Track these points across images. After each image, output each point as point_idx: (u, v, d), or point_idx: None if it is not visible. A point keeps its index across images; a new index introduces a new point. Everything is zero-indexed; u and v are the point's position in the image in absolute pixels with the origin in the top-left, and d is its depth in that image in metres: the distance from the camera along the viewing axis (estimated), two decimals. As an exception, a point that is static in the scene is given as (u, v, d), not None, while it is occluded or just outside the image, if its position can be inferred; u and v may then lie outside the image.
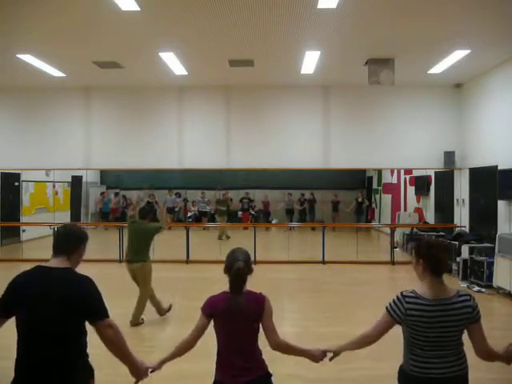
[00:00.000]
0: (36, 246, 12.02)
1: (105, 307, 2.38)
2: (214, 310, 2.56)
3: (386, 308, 2.49)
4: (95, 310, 2.35)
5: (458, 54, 8.07)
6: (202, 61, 8.65)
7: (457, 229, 10.25)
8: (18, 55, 8.06)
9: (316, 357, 2.69)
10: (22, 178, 12.98)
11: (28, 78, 9.63)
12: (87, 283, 2.36)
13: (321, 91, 10.53)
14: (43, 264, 2.40)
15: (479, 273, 8.31)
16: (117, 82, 10.12)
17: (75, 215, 16.18)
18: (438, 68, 8.94)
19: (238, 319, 2.52)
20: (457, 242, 9.39)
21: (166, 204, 17.91)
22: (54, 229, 10.87)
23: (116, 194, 18.35)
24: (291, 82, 10.17)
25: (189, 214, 18.41)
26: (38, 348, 2.27)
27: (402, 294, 2.48)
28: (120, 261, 10.79)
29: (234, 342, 2.54)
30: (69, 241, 2.46)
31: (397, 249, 11.51)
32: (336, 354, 2.68)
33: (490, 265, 8.07)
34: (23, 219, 12.69)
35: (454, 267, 9.20)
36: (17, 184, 12.97)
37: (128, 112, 10.79)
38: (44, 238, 11.84)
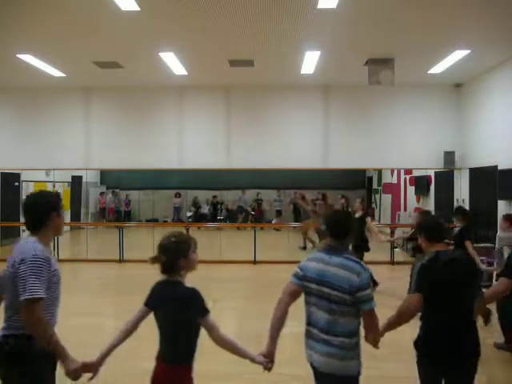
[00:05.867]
0: (36, 246, 12.00)
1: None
2: None
3: None
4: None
5: (458, 54, 8.07)
6: (202, 61, 8.65)
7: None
8: (18, 55, 8.06)
9: None
10: (22, 177, 12.97)
11: (28, 78, 9.63)
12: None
13: (321, 91, 10.53)
14: None
15: (479, 273, 8.30)
16: (117, 82, 10.12)
17: (75, 215, 16.18)
18: (438, 68, 8.94)
19: None
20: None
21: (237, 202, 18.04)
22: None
23: (113, 193, 18.42)
24: (291, 82, 10.17)
25: (189, 214, 18.43)
26: None
27: None
28: (120, 261, 10.79)
29: None
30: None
31: (397, 249, 11.50)
32: None
33: (490, 265, 8.06)
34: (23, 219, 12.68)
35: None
36: (17, 184, 12.96)
37: (128, 112, 10.80)
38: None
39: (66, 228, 14.60)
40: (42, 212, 2.52)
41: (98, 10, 6.09)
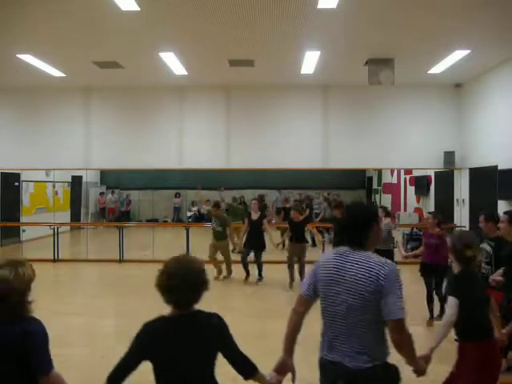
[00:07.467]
0: (36, 246, 12.02)
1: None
2: None
3: None
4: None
5: (458, 54, 8.07)
6: (201, 61, 8.65)
7: (457, 229, 10.24)
8: (18, 55, 8.06)
9: None
10: (22, 177, 12.97)
11: (28, 78, 9.62)
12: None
13: (321, 91, 10.52)
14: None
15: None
16: (117, 82, 10.12)
17: (75, 215, 16.19)
18: (438, 68, 8.94)
19: None
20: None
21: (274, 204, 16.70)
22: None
23: (112, 193, 18.45)
24: (291, 82, 10.16)
25: (189, 214, 18.44)
26: None
27: None
28: (120, 261, 10.80)
29: None
30: None
31: (397, 249, 11.50)
32: None
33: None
34: (23, 219, 12.69)
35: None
36: (17, 184, 12.96)
37: (128, 112, 10.79)
38: (44, 238, 11.84)
39: (66, 228, 14.62)
40: (367, 225, 2.48)
41: (97, 10, 6.09)
